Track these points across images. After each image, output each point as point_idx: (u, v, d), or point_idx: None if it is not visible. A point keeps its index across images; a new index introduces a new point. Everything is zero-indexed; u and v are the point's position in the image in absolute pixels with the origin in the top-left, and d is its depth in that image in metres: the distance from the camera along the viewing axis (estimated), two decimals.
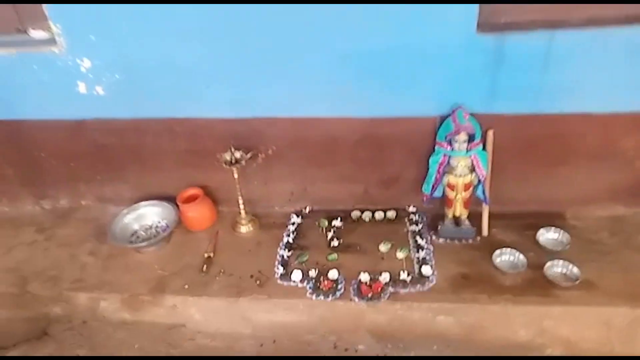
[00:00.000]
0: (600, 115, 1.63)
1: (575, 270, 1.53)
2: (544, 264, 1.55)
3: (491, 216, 1.76)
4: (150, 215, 1.92)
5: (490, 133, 1.67)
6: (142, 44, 1.63)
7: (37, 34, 1.72)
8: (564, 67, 1.54)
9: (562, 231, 1.69)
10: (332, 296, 1.56)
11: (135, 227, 1.90)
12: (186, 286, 1.66)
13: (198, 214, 1.88)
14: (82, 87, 1.75)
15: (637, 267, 1.55)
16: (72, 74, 1.72)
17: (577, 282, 1.49)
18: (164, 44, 1.62)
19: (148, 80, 1.71)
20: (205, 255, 1.77)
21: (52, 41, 1.68)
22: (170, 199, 1.92)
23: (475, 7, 1.47)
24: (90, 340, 1.67)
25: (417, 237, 1.74)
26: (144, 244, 1.78)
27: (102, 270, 1.77)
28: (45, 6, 1.60)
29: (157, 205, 1.92)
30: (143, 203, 1.93)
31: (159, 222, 1.91)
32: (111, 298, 1.68)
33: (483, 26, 1.53)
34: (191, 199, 1.89)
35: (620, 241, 1.67)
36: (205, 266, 1.72)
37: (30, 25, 1.73)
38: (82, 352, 1.63)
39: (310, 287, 1.59)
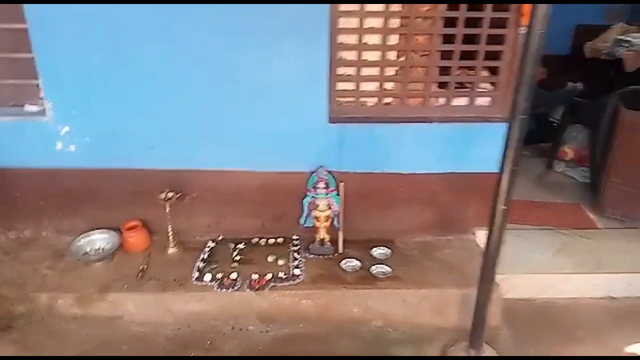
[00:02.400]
0: (408, 174, 2.60)
1: (389, 269, 2.38)
2: (370, 267, 2.40)
3: (346, 241, 2.59)
4: (99, 240, 2.56)
5: (341, 184, 2.56)
6: (108, 117, 2.43)
7: (31, 108, 2.46)
8: (381, 145, 2.53)
9: (387, 249, 2.57)
10: (232, 289, 2.27)
11: (87, 249, 2.53)
12: (125, 286, 2.29)
13: (136, 239, 2.56)
14: (59, 146, 2.48)
15: (428, 269, 2.43)
16: (54, 137, 2.45)
17: (388, 275, 2.34)
18: (123, 118, 2.43)
19: (109, 141, 2.48)
20: (140, 267, 2.43)
21: (43, 113, 2.42)
22: (116, 229, 2.59)
23: (326, 108, 2.45)
24: (47, 330, 2.22)
25: (295, 254, 2.54)
26: (93, 258, 2.42)
27: (60, 278, 2.36)
28: (42, 87, 2.37)
29: (105, 233, 2.58)
30: (94, 231, 2.57)
31: (106, 245, 2.55)
32: (66, 297, 2.26)
33: (332, 119, 2.49)
34: (132, 228, 2.57)
35: (423, 255, 2.56)
36: (140, 274, 2.38)
37: (27, 102, 2.47)
38: (39, 340, 2.17)
39: (216, 284, 2.30)
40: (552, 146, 4.08)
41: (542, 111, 4.72)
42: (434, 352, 2.19)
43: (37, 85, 2.39)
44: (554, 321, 2.43)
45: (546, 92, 4.59)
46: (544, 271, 2.56)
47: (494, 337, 2.25)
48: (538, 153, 4.36)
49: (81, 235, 2.55)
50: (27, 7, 2.24)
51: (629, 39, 4.55)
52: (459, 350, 2.14)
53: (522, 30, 2.33)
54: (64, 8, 2.21)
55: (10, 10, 2.26)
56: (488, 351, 2.12)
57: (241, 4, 2.21)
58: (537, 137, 4.47)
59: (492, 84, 2.55)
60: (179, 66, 2.34)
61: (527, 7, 2.31)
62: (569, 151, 4.02)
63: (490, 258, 1.87)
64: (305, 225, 2.58)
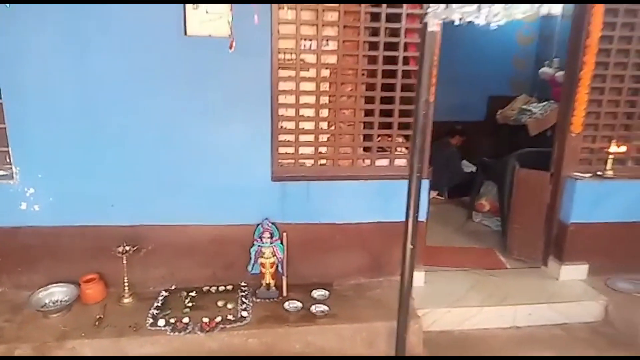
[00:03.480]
0: (342, 224, 3.02)
1: (326, 308, 2.72)
2: (310, 307, 2.72)
3: (289, 285, 2.91)
4: (57, 293, 2.72)
5: (284, 234, 2.93)
6: (71, 179, 2.71)
7: None
8: (318, 200, 2.95)
9: (326, 290, 2.91)
10: (184, 332, 2.50)
11: (46, 301, 2.68)
12: (83, 334, 2.46)
13: (93, 290, 2.74)
14: (24, 206, 2.70)
15: (361, 307, 2.79)
16: (19, 197, 2.69)
17: (326, 313, 2.67)
18: (85, 179, 2.72)
19: (71, 201, 2.74)
20: (97, 316, 2.61)
21: (10, 176, 2.67)
22: (74, 283, 2.78)
23: (269, 168, 2.87)
24: None
25: (243, 298, 2.82)
26: (51, 309, 2.58)
27: (18, 329, 2.49)
28: (12, 154, 2.63)
29: (63, 286, 2.75)
30: (53, 284, 2.74)
31: (64, 298, 2.71)
32: (24, 347, 2.39)
33: (274, 178, 2.91)
34: (89, 281, 2.76)
35: (357, 295, 2.92)
36: (97, 322, 2.56)
37: None
38: None
39: (169, 328, 2.52)
40: (470, 200, 4.70)
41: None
42: None
43: (7, 152, 2.65)
44: (468, 350, 2.81)
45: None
46: (458, 305, 2.98)
47: None
48: (461, 205, 4.96)
49: (40, 289, 2.71)
50: (2, 84, 2.56)
51: (530, 108, 5.43)
52: None
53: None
54: (37, 84, 2.56)
55: None
56: None
57: (197, 81, 2.66)
58: (461, 192, 5.11)
59: (407, 148, 3.09)
60: (138, 134, 2.70)
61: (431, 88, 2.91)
62: (485, 204, 4.64)
63: (405, 289, 2.25)
64: (253, 272, 2.89)
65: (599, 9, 2.90)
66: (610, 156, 3.13)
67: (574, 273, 3.27)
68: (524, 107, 5.55)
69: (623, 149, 3.13)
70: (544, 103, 5.33)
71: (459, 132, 5.34)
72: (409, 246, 2.20)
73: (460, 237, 4.14)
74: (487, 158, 4.69)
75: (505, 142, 5.35)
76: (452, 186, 5.22)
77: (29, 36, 2.50)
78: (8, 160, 2.67)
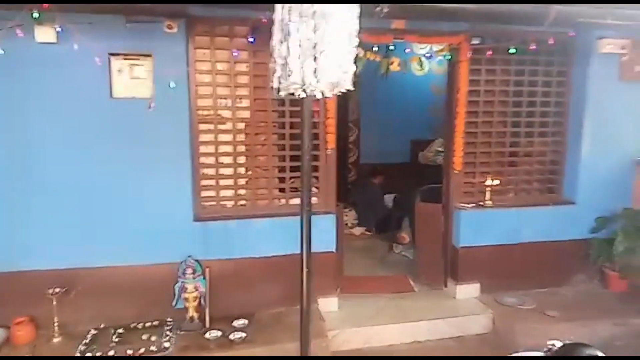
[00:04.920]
0: (260, 257, 3.37)
1: (244, 334, 3.02)
2: (229, 334, 3.02)
3: (212, 317, 3.19)
4: None
5: (207, 270, 3.24)
6: (4, 230, 2.94)
7: None
8: (238, 237, 3.31)
9: (246, 320, 3.22)
10: None
11: None
12: None
13: (23, 332, 2.92)
14: None
15: (277, 332, 3.11)
16: None
17: (244, 339, 2.97)
18: (18, 230, 2.95)
19: (4, 249, 2.95)
20: (27, 356, 2.78)
21: None
22: (6, 326, 2.93)
23: (191, 211, 3.22)
24: None
25: (168, 332, 3.07)
26: None
27: None
28: None
29: None
30: None
31: None
32: None
33: (196, 219, 3.26)
34: (19, 323, 2.93)
35: (275, 322, 3.25)
36: None
37: None
38: None
39: None
40: (391, 233, 5.19)
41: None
42: None
43: None
44: None
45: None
46: (366, 325, 3.35)
47: None
48: (387, 239, 5.42)
49: None
50: None
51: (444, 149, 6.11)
52: None
53: (329, 151, 3.42)
54: None
55: None
56: None
57: (123, 136, 3.02)
58: (387, 226, 5.60)
59: (317, 187, 3.55)
60: (68, 184, 3.00)
61: (330, 137, 3.42)
62: (406, 236, 5.12)
63: (304, 308, 2.61)
64: (177, 306, 3.16)
65: (464, 69, 3.56)
66: (488, 189, 3.71)
67: (468, 291, 3.75)
68: (439, 149, 6.24)
69: (497, 182, 3.73)
70: None
71: (380, 172, 5.90)
72: (305, 269, 2.59)
73: (380, 268, 4.57)
74: (398, 195, 5.23)
75: (426, 180, 5.95)
76: (378, 221, 5.71)
77: None
78: None
